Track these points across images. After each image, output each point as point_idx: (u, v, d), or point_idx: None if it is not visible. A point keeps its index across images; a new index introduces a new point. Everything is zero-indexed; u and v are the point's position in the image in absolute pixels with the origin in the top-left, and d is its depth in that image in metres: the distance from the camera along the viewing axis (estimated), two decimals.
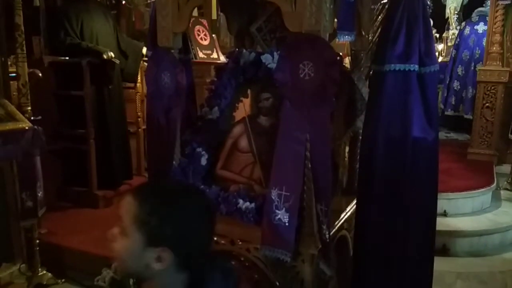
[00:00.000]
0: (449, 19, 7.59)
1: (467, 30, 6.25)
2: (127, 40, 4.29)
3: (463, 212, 3.92)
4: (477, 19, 6.20)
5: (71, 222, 3.56)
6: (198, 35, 3.75)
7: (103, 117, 3.96)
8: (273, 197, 1.62)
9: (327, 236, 1.60)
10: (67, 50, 3.77)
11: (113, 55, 3.83)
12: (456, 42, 6.36)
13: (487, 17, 6.05)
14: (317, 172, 1.57)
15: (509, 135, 4.94)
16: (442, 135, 6.25)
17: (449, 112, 6.46)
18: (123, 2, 5.03)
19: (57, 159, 4.00)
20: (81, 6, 3.86)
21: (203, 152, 1.91)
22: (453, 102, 6.37)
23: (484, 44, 5.99)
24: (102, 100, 3.94)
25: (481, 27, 6.10)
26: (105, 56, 3.76)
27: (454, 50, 6.42)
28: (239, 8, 2.15)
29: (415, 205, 1.79)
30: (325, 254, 1.64)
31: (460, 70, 6.22)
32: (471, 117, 6.10)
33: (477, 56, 6.08)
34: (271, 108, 1.87)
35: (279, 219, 1.61)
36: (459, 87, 6.29)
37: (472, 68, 6.12)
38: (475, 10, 6.42)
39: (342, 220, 1.91)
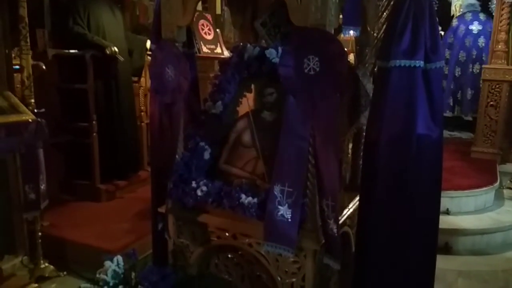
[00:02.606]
0: (455, 17, 7.54)
1: (461, 29, 6.18)
2: (132, 36, 4.30)
3: (465, 210, 3.92)
4: (470, 17, 6.14)
5: (74, 215, 3.57)
6: (202, 29, 3.74)
7: (110, 111, 3.98)
8: (275, 193, 1.61)
9: (334, 230, 1.59)
10: (73, 38, 3.78)
11: (116, 50, 3.83)
12: (450, 41, 6.26)
13: (479, 14, 6.07)
14: (323, 168, 1.56)
15: None
16: (446, 133, 6.24)
17: (447, 114, 6.43)
18: None
19: (60, 152, 4.01)
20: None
21: (206, 147, 1.91)
22: (451, 103, 6.36)
23: (480, 45, 6.01)
24: (109, 94, 3.95)
25: (475, 27, 6.07)
26: (107, 51, 3.77)
27: (448, 50, 6.31)
28: (243, 2, 2.15)
29: (418, 202, 1.78)
30: (332, 249, 1.64)
31: (457, 71, 6.19)
32: (470, 118, 6.15)
33: (474, 57, 6.08)
34: (275, 103, 1.87)
35: (282, 215, 1.61)
36: (452, 87, 6.27)
37: (470, 69, 6.12)
38: (465, 5, 6.33)
39: (345, 217, 1.91)
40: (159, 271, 1.88)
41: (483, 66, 5.24)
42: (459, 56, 6.17)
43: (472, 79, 6.12)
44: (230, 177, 1.87)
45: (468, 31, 6.12)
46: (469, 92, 6.13)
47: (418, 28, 1.65)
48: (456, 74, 6.19)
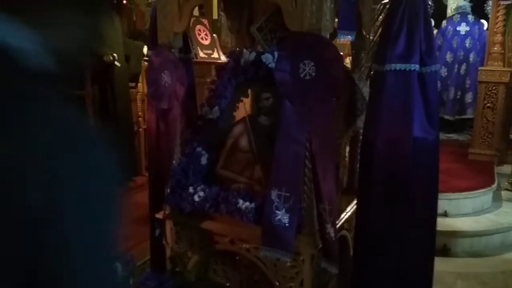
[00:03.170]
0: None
1: (449, 30, 6.24)
2: (129, 42, 4.31)
3: (463, 212, 3.92)
4: (458, 18, 6.20)
5: None
6: (199, 34, 3.75)
7: (107, 116, 3.98)
8: (273, 198, 1.61)
9: (332, 234, 1.59)
10: None
11: (116, 57, 3.83)
12: (439, 43, 6.30)
13: (468, 16, 6.14)
14: (320, 172, 1.57)
15: (510, 135, 4.94)
16: (443, 135, 6.26)
17: None
18: (124, 1, 5.03)
19: None
20: None
21: (203, 152, 1.91)
22: None
23: (467, 46, 6.08)
24: (106, 100, 3.96)
25: (463, 28, 6.12)
26: (105, 59, 3.78)
27: (437, 52, 6.40)
28: (240, 7, 2.15)
29: (415, 205, 1.78)
30: (329, 253, 1.63)
31: (443, 71, 6.23)
32: (451, 118, 6.24)
33: (461, 57, 6.14)
34: (272, 107, 1.87)
35: (279, 219, 1.61)
36: (439, 89, 6.32)
37: (456, 70, 6.18)
38: (455, 7, 6.41)
39: (343, 220, 1.91)
40: (157, 277, 1.88)
41: (479, 68, 5.25)
42: (446, 57, 6.22)
43: (456, 80, 6.19)
44: (227, 182, 1.87)
45: (456, 32, 6.18)
46: (452, 92, 6.21)
47: (413, 32, 1.66)
48: (443, 75, 6.23)
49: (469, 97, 6.15)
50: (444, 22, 6.43)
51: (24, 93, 0.64)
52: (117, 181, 0.70)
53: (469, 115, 6.17)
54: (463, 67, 6.12)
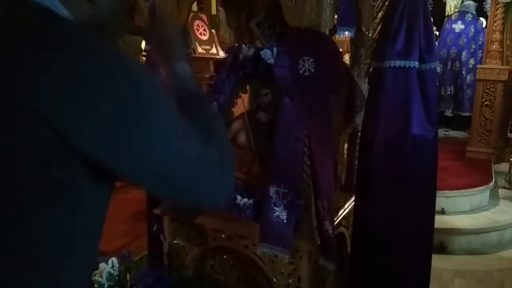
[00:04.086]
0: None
1: (446, 28, 6.30)
2: (126, 36, 4.28)
3: (461, 210, 3.93)
4: (456, 17, 6.24)
5: None
6: (197, 30, 3.73)
7: None
8: (271, 194, 1.61)
9: (330, 231, 1.59)
10: None
11: None
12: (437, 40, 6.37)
13: (466, 15, 6.16)
14: (318, 168, 1.56)
15: (508, 133, 4.94)
16: (441, 133, 6.28)
17: None
18: None
19: None
20: None
21: None
22: None
23: (460, 44, 6.12)
24: None
25: (458, 26, 6.15)
26: None
27: None
28: (239, 3, 2.14)
29: (413, 202, 1.78)
30: (327, 250, 1.63)
31: (438, 68, 6.25)
32: (450, 114, 6.34)
33: (454, 55, 6.18)
34: (270, 103, 1.86)
35: (277, 216, 1.60)
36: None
37: (449, 67, 6.22)
38: (460, 5, 6.47)
39: (340, 217, 1.91)
40: (155, 273, 1.88)
41: (478, 66, 5.25)
42: (441, 53, 6.26)
43: (450, 77, 6.24)
44: None
45: (451, 30, 6.22)
46: (448, 89, 6.27)
47: (413, 28, 1.66)
48: (439, 71, 6.25)
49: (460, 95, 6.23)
50: (445, 20, 6.48)
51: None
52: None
53: (462, 112, 6.25)
54: (456, 64, 6.18)
